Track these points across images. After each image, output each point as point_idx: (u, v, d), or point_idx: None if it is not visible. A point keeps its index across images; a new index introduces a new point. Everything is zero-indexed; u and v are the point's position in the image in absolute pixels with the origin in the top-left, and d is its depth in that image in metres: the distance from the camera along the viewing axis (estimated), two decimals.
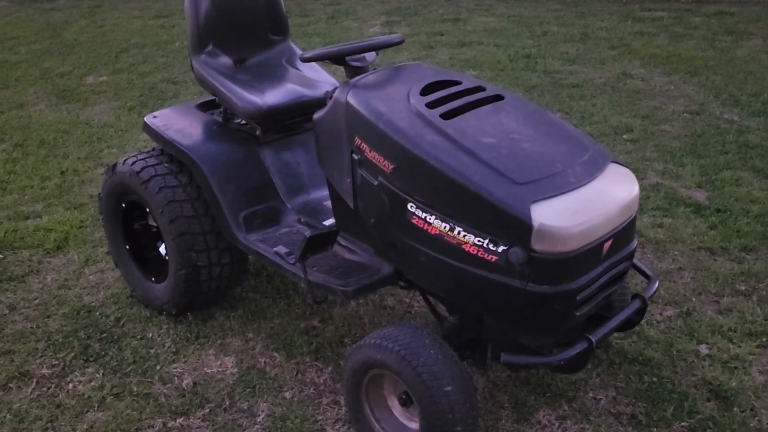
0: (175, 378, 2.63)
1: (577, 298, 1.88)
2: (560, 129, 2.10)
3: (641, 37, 7.17)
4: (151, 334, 2.87)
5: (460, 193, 1.88)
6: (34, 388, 2.60)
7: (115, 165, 2.87)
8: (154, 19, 8.90)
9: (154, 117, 2.85)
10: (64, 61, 7.05)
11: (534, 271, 1.82)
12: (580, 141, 2.05)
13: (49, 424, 2.44)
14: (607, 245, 1.91)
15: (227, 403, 2.51)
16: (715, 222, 3.55)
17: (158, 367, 2.68)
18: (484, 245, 1.87)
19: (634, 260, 2.20)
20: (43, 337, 2.88)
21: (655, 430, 2.33)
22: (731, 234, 3.43)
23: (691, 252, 3.32)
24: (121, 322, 2.96)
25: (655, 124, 4.86)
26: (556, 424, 2.37)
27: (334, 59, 2.24)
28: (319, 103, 2.36)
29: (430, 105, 2.06)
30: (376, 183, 2.08)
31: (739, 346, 2.68)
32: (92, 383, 2.61)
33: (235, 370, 2.67)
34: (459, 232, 1.91)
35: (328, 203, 2.54)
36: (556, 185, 1.86)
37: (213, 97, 2.86)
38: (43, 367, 2.71)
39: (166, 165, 2.73)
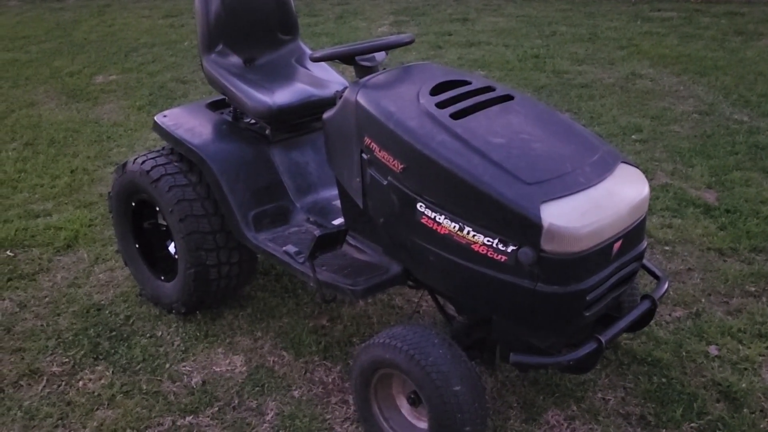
0: (184, 376, 2.64)
1: (587, 298, 1.88)
2: (570, 129, 2.10)
3: (650, 38, 7.15)
4: (160, 333, 2.88)
5: (469, 193, 1.88)
6: (44, 386, 2.62)
7: (125, 164, 2.88)
8: (164, 19, 8.93)
9: (164, 116, 2.86)
10: (74, 61, 7.08)
11: (543, 271, 1.82)
12: (589, 141, 2.05)
13: (60, 421, 2.45)
14: (616, 246, 1.91)
15: (236, 401, 2.52)
16: (725, 223, 3.54)
17: (167, 366, 2.70)
18: (494, 245, 1.87)
19: (644, 261, 2.19)
20: (53, 335, 2.90)
21: (664, 431, 2.32)
22: (741, 235, 3.42)
23: (701, 253, 3.31)
24: (131, 321, 2.97)
25: (664, 125, 4.85)
26: (565, 425, 2.36)
27: (344, 59, 2.25)
28: (329, 102, 2.37)
29: (440, 105, 2.06)
30: (385, 182, 2.09)
31: (749, 347, 2.67)
32: (102, 381, 2.63)
33: (244, 368, 2.68)
34: (468, 232, 1.91)
35: (337, 203, 2.55)
36: (566, 185, 1.85)
37: (223, 97, 2.87)
38: (53, 364, 2.73)
39: (176, 164, 2.74)
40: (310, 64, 2.88)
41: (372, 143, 2.09)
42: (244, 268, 2.83)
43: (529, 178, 1.85)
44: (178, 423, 2.43)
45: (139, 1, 10.17)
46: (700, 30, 7.37)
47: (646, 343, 2.70)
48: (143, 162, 2.77)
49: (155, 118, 2.87)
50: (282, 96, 2.63)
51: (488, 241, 1.88)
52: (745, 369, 2.57)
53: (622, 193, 1.93)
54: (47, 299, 3.15)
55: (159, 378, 2.63)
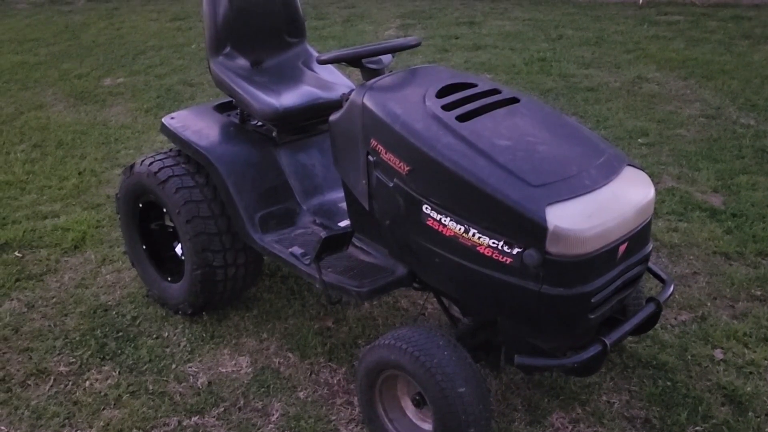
0: (191, 377, 2.66)
1: (592, 300, 1.88)
2: (576, 132, 2.11)
3: (657, 41, 7.14)
4: (166, 334, 2.90)
5: (475, 195, 1.89)
6: (51, 386, 2.63)
7: (132, 165, 2.90)
8: (171, 22, 8.97)
9: (172, 118, 2.88)
10: (82, 63, 7.12)
11: (549, 273, 1.82)
12: (595, 144, 2.06)
13: (66, 420, 2.46)
14: (622, 248, 1.91)
15: (242, 402, 2.53)
16: (731, 227, 3.53)
17: (174, 366, 2.71)
18: (499, 247, 1.88)
19: (649, 264, 2.19)
20: (60, 335, 2.91)
21: None
22: (747, 239, 3.41)
23: (707, 256, 3.30)
24: (138, 321, 2.99)
25: (670, 129, 4.84)
26: (570, 427, 2.36)
27: (351, 62, 2.26)
28: (336, 105, 2.38)
29: (446, 107, 2.07)
30: (391, 185, 2.10)
31: (755, 351, 2.67)
32: (109, 381, 2.64)
33: (250, 369, 2.69)
34: (474, 234, 1.91)
35: (344, 205, 2.55)
36: (572, 188, 1.86)
37: (230, 99, 2.88)
38: (60, 364, 2.74)
39: (184, 166, 2.76)
40: (317, 67, 2.89)
41: (378, 145, 2.10)
42: (250, 269, 2.84)
43: (534, 181, 1.86)
44: (184, 423, 2.44)
45: (147, 4, 10.21)
46: (707, 34, 7.36)
47: (651, 347, 2.70)
48: (151, 163, 2.79)
49: (163, 120, 2.89)
50: (289, 98, 2.64)
51: (494, 243, 1.88)
52: (751, 373, 2.57)
53: (627, 195, 1.93)
54: (55, 300, 3.16)
55: (165, 378, 2.65)
